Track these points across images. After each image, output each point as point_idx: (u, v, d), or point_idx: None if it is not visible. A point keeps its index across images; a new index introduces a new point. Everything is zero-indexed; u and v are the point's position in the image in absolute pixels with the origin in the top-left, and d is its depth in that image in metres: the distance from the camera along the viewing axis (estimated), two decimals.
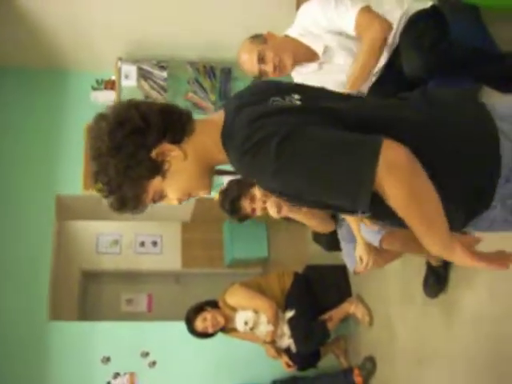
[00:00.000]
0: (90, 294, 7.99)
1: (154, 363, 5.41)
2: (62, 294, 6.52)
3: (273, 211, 3.14)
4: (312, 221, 3.41)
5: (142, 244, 7.94)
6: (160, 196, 1.61)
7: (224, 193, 3.35)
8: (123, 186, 1.53)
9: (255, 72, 2.74)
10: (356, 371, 4.47)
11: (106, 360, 5.38)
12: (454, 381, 3.29)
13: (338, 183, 1.34)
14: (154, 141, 1.52)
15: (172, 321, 5.48)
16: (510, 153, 1.47)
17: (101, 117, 1.56)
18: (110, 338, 5.46)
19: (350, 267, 3.61)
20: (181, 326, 4.70)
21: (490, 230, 1.64)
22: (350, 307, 4.57)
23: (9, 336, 5.29)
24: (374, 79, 2.86)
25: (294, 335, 4.41)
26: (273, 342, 4.51)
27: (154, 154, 1.52)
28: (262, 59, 2.68)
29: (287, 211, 3.16)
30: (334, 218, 3.49)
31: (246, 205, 3.24)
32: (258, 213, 3.28)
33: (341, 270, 4.64)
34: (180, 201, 1.64)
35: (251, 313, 4.32)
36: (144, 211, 1.66)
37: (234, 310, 4.45)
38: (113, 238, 7.90)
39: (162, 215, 6.69)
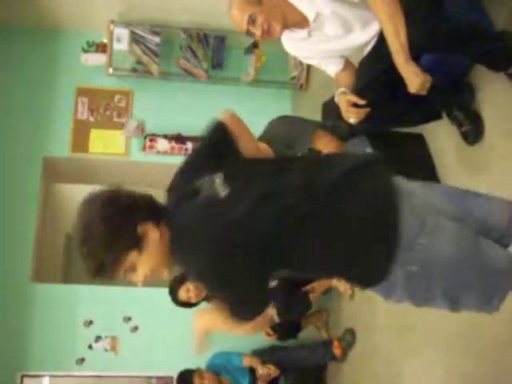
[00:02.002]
0: (74, 258, 7.98)
1: (136, 328, 5.45)
2: (47, 256, 6.51)
3: None
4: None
5: None
6: (132, 269, 1.78)
7: None
8: (107, 252, 1.71)
9: (243, 30, 2.72)
10: (335, 343, 4.51)
11: (89, 323, 5.41)
12: (434, 353, 3.33)
13: None
14: (141, 219, 1.75)
15: (155, 287, 5.50)
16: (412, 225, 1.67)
17: (94, 195, 1.80)
18: (93, 302, 5.48)
19: None
20: (164, 293, 4.71)
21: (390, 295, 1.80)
22: (333, 280, 4.59)
23: None
24: (367, 50, 2.83)
25: (275, 306, 4.44)
26: None
27: (139, 229, 1.74)
28: (252, 21, 2.66)
29: None
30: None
31: None
32: None
33: None
34: (145, 278, 1.82)
35: None
36: (111, 281, 1.82)
37: None
38: None
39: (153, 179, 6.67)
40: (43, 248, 6.12)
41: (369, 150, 3.11)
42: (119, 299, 5.54)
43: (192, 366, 4.76)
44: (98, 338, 5.39)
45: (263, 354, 4.84)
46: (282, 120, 3.23)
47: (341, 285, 4.55)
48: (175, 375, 4.84)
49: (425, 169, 3.28)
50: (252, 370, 4.74)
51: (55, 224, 7.29)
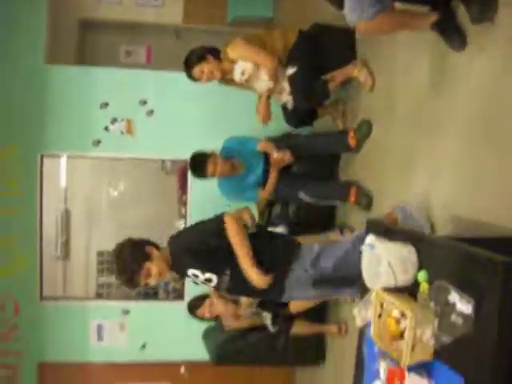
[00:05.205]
0: (87, 43, 7.81)
1: (151, 112, 5.45)
2: (59, 41, 6.35)
3: None
4: None
5: None
6: (148, 272, 3.24)
7: None
8: (134, 269, 3.22)
9: None
10: (351, 133, 4.48)
11: (105, 105, 5.42)
12: (447, 149, 3.31)
13: None
14: (148, 248, 3.28)
15: (171, 71, 5.41)
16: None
17: (121, 245, 3.32)
18: (109, 84, 5.46)
19: (350, 22, 3.21)
20: (180, 77, 4.66)
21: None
22: (354, 70, 4.41)
23: (8, 81, 5.30)
24: None
25: (293, 91, 4.34)
26: (268, 96, 4.45)
27: (146, 250, 3.26)
28: None
29: None
30: None
31: None
32: None
33: (349, 33, 4.42)
34: (158, 278, 3.31)
35: (250, 65, 4.24)
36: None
37: (235, 63, 4.36)
38: None
39: None
40: (56, 33, 5.95)
41: None
42: (135, 82, 5.51)
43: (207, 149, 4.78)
44: (113, 120, 5.42)
45: (278, 141, 4.86)
46: None
47: (361, 74, 4.40)
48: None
49: None
50: (266, 156, 4.77)
51: (67, 8, 7.05)
